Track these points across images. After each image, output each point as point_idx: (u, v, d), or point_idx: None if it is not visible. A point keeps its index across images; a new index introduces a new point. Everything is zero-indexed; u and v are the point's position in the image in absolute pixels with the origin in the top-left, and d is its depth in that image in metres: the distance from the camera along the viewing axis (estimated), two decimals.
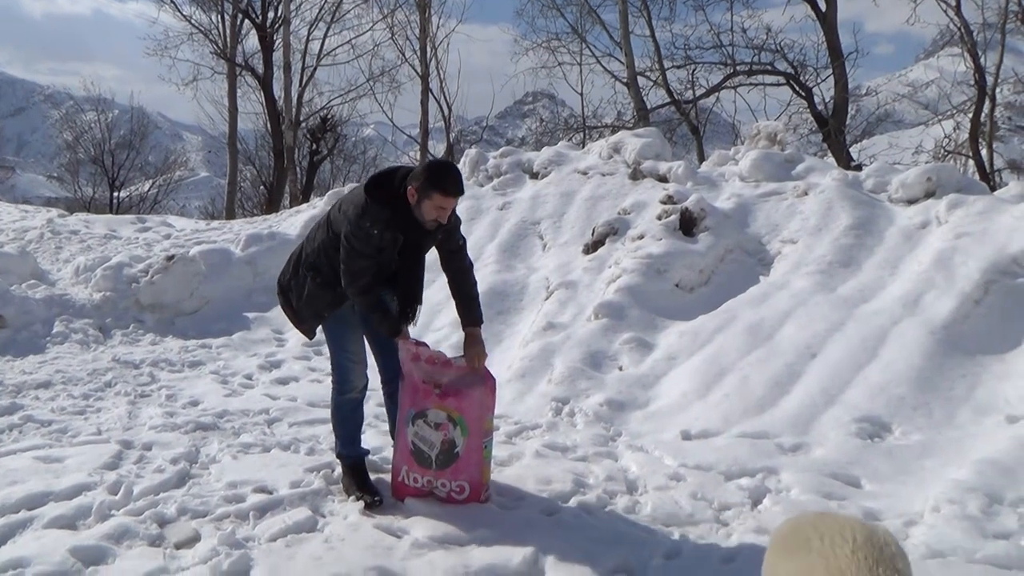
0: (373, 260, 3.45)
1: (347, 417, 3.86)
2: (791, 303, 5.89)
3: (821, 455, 4.11)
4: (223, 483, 3.84)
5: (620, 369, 5.65)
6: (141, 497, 3.62)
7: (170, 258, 7.61)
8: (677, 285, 6.75)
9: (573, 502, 3.63)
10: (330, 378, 3.98)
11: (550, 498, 3.67)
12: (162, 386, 5.70)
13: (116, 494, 3.62)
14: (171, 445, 4.38)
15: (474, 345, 3.71)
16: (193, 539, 3.24)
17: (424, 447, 3.53)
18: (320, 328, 3.84)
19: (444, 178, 3.39)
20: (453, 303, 3.92)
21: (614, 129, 18.57)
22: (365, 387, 3.89)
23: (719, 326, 5.82)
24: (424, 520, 3.35)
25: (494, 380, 3.68)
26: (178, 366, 6.27)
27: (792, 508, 3.49)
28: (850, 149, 17.67)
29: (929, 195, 7.04)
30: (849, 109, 21.43)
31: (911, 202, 7.11)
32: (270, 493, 3.68)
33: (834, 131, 15.91)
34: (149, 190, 38.14)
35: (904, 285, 5.78)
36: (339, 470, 3.91)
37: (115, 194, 36.77)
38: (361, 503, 3.55)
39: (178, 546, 3.18)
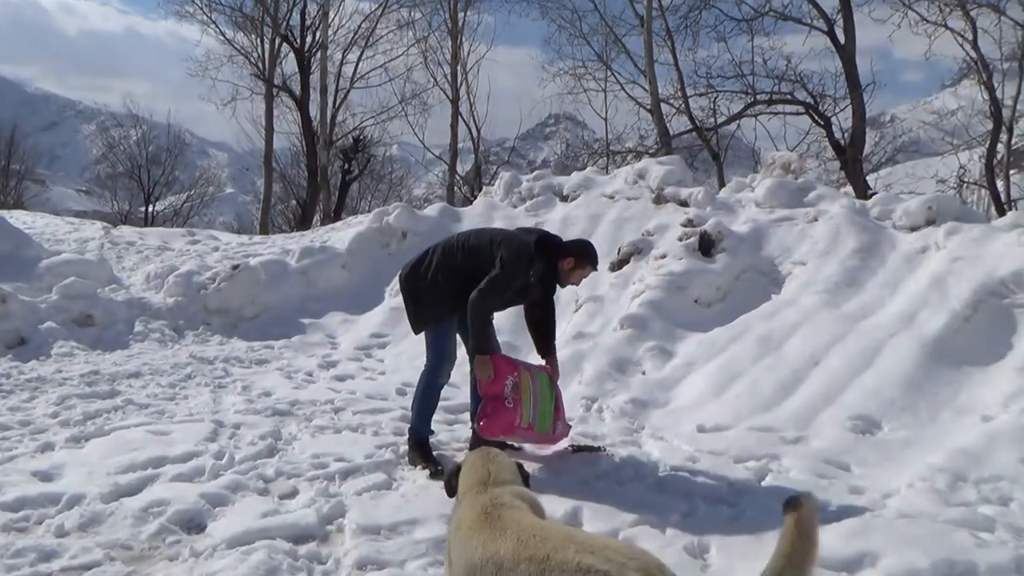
0: (511, 294, 4.36)
1: (430, 399, 4.62)
2: (799, 318, 6.53)
3: (818, 446, 4.75)
4: (307, 455, 4.54)
5: (643, 373, 6.32)
6: (243, 462, 4.34)
7: (235, 267, 8.40)
8: (696, 301, 7.42)
9: (604, 476, 4.29)
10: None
11: (585, 473, 4.34)
12: (236, 379, 6.45)
13: (222, 459, 4.35)
14: (256, 425, 5.11)
15: (553, 368, 4.69)
16: (293, 492, 3.96)
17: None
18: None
19: (596, 258, 4.59)
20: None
21: (637, 154, 19.33)
22: (449, 378, 4.70)
23: (733, 337, 6.48)
24: None
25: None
26: (247, 363, 7.02)
27: (791, 485, 4.14)
28: (870, 177, 18.27)
29: (930, 223, 7.65)
30: (872, 137, 22.03)
31: (913, 229, 7.72)
32: (349, 462, 4.39)
33: (851, 160, 16.48)
34: (183, 205, 39.41)
35: (902, 303, 6.41)
36: (404, 447, 4.62)
37: (150, 208, 38.05)
38: (427, 472, 4.25)
39: (282, 497, 3.89)
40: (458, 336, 4.64)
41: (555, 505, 3.76)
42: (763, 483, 4.22)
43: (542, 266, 4.32)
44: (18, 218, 18.51)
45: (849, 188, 16.15)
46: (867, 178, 17.52)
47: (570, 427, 4.81)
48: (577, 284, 4.67)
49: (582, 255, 4.48)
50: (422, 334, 4.65)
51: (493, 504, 2.33)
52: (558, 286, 4.68)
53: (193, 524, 3.55)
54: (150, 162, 38.82)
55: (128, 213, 38.06)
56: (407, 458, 4.52)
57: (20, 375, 6.12)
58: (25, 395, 5.66)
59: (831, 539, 3.22)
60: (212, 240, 13.84)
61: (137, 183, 38.30)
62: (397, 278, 4.81)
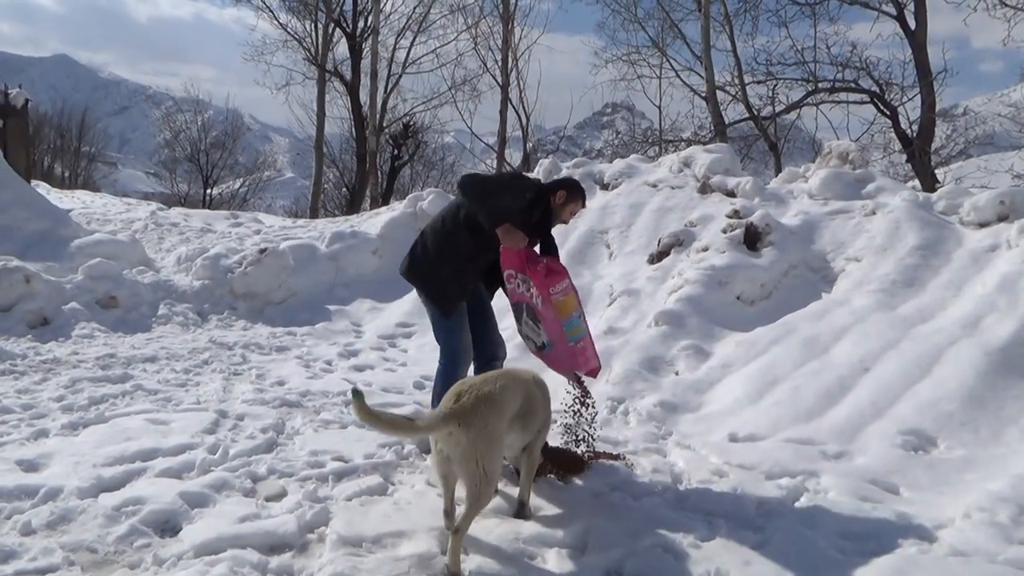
0: (517, 199, 4.08)
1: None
2: (850, 319, 6.01)
3: (863, 463, 4.28)
4: (306, 451, 4.29)
5: (676, 374, 5.90)
6: (236, 458, 4.11)
7: (263, 251, 8.24)
8: (738, 297, 6.94)
9: (620, 488, 3.92)
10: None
11: (600, 484, 3.97)
12: (252, 366, 6.26)
13: (215, 454, 4.13)
14: (261, 417, 4.89)
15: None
16: (280, 494, 3.70)
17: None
18: (439, 317, 4.34)
19: (584, 192, 4.42)
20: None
21: (691, 144, 18.68)
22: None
23: (776, 338, 6.00)
24: None
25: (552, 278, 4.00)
26: (267, 350, 6.85)
27: (828, 507, 3.71)
28: (939, 171, 17.23)
29: (1002, 219, 7.01)
30: (944, 130, 20.85)
31: (982, 225, 7.09)
32: (347, 462, 4.12)
33: (919, 152, 15.57)
34: (240, 188, 40.13)
35: (965, 307, 5.83)
36: (409, 447, 4.32)
37: (208, 191, 38.86)
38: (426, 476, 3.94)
39: (268, 499, 3.64)
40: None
41: (563, 524, 3.42)
42: (796, 504, 3.78)
43: (535, 200, 4.16)
44: (78, 197, 19.03)
45: (916, 182, 15.29)
46: (936, 172, 16.54)
47: (598, 368, 4.25)
48: (567, 222, 4.46)
49: (571, 187, 4.31)
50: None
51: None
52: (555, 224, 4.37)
53: (168, 526, 3.31)
54: (212, 146, 39.66)
55: (187, 196, 38.96)
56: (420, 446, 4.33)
57: (36, 356, 6.04)
58: (37, 377, 5.56)
59: None
60: (255, 223, 13.83)
61: (196, 166, 39.16)
62: (404, 276, 4.50)
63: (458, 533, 2.99)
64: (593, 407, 4.27)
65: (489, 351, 4.44)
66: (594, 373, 4.21)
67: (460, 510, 3.12)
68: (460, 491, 3.15)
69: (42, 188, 19.91)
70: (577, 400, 4.20)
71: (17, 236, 8.67)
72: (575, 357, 4.05)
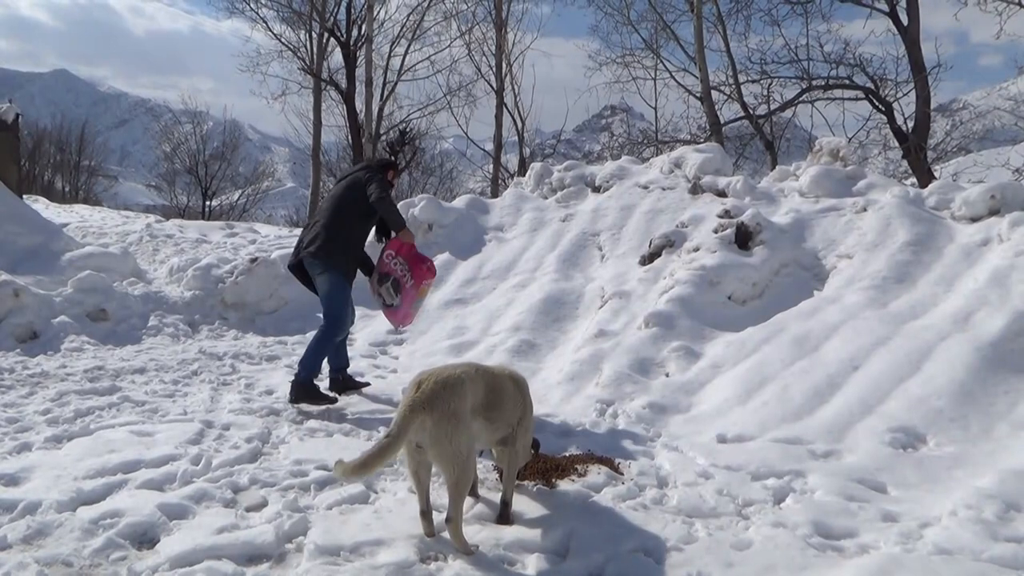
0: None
1: (326, 352, 5.60)
2: (840, 317, 5.97)
3: (851, 461, 4.24)
4: (290, 460, 4.26)
5: (667, 376, 5.86)
6: (219, 468, 4.08)
7: (253, 260, 8.23)
8: (729, 297, 6.91)
9: (604, 492, 3.88)
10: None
11: (584, 488, 3.93)
12: (241, 376, 6.24)
13: (198, 464, 4.10)
14: (247, 427, 4.87)
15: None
16: (261, 504, 3.67)
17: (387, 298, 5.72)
18: (324, 289, 5.61)
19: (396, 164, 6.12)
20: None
21: (687, 144, 18.61)
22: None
23: (766, 337, 5.96)
24: (466, 500, 3.68)
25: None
26: (256, 359, 6.82)
27: (814, 507, 3.67)
28: (936, 167, 17.15)
29: (993, 213, 6.98)
30: (943, 125, 20.78)
31: (974, 219, 7.06)
32: (329, 471, 4.07)
33: (914, 147, 15.52)
34: (239, 199, 40.17)
35: (957, 302, 5.80)
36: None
37: (207, 202, 38.90)
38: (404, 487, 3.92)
39: (248, 509, 3.61)
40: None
41: (544, 529, 3.39)
42: (781, 505, 3.75)
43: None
44: (77, 211, 19.05)
45: (915, 179, 15.22)
46: (933, 167, 16.47)
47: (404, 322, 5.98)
48: (394, 185, 6.06)
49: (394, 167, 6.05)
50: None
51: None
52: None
53: (145, 539, 3.28)
54: (211, 157, 39.73)
55: (186, 208, 39.01)
56: (293, 397, 5.33)
57: (24, 370, 6.02)
58: (24, 391, 5.55)
59: None
60: (251, 233, 13.84)
61: (195, 178, 39.20)
62: (315, 255, 5.59)
63: (451, 521, 3.14)
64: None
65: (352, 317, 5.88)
66: (406, 325, 6.13)
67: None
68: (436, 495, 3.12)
69: (40, 203, 19.95)
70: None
71: (8, 250, 8.66)
72: (407, 317, 5.83)
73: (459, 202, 10.32)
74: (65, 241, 9.35)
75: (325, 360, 5.69)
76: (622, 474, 4.16)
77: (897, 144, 16.99)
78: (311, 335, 7.71)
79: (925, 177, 14.56)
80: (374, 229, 5.95)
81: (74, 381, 5.80)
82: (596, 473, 4.12)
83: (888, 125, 16.91)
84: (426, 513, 3.28)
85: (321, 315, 5.73)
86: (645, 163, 10.35)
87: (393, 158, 6.23)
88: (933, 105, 17.45)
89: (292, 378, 5.49)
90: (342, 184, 5.85)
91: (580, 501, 3.77)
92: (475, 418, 3.34)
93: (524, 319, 7.26)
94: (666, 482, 4.07)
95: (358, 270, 5.88)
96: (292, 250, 6.02)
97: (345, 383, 5.84)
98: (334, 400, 5.48)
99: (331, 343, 5.59)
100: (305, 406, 5.36)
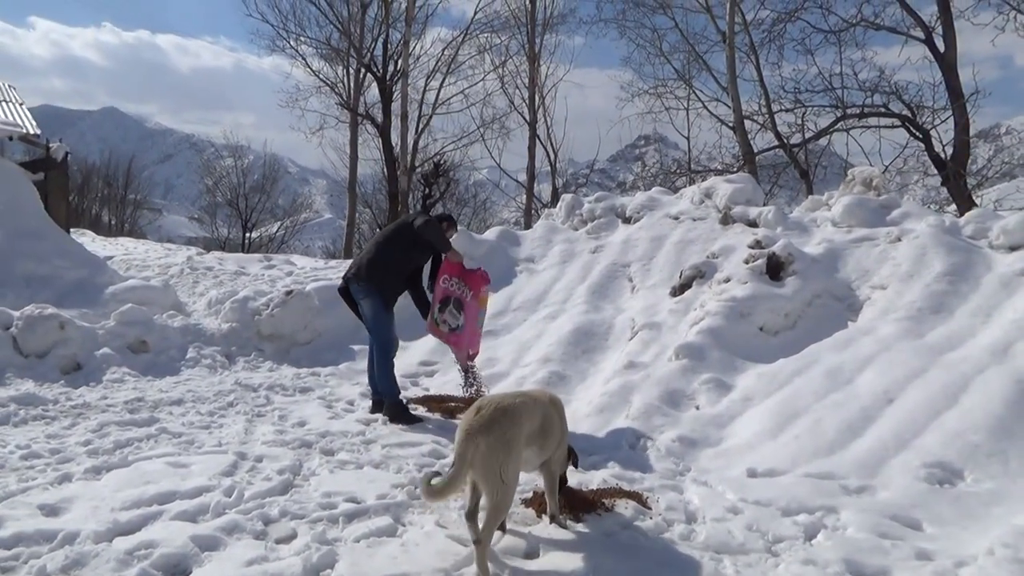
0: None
1: (392, 369, 6.06)
2: (875, 348, 5.89)
3: (885, 497, 4.16)
4: (320, 492, 4.32)
5: (697, 408, 5.82)
6: (251, 500, 4.15)
7: (288, 293, 8.39)
8: (761, 328, 6.85)
9: (630, 527, 3.86)
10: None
11: (611, 523, 3.92)
12: (275, 407, 6.35)
13: (231, 496, 4.17)
14: (279, 458, 4.94)
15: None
16: (291, 536, 3.72)
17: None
18: (368, 314, 6.08)
19: (454, 220, 6.65)
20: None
21: (721, 174, 18.55)
22: None
23: (798, 369, 5.90)
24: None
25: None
26: (290, 391, 6.94)
27: (845, 545, 3.60)
28: (979, 193, 16.82)
29: None
30: (985, 151, 20.42)
31: (1013, 248, 6.94)
32: (359, 503, 4.13)
33: (953, 174, 15.29)
34: (277, 231, 41.00)
35: (995, 333, 5.68)
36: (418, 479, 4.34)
37: (247, 234, 39.77)
38: (436, 517, 3.95)
39: (278, 541, 3.66)
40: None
41: (570, 563, 3.38)
42: (812, 542, 3.69)
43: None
44: (122, 244, 19.66)
45: (955, 206, 14.96)
46: (974, 193, 16.16)
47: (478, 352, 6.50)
48: (450, 239, 6.36)
49: (449, 219, 6.50)
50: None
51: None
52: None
53: (178, 570, 3.35)
54: (251, 190, 40.71)
55: (227, 240, 39.93)
56: (387, 415, 5.99)
57: (67, 401, 6.21)
58: (67, 422, 5.71)
59: None
60: (288, 265, 14.10)
61: (236, 211, 40.16)
62: (360, 278, 6.10)
63: (480, 543, 3.20)
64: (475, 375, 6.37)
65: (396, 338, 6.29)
66: (475, 355, 6.41)
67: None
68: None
69: (87, 236, 20.62)
70: (468, 371, 6.40)
71: (56, 284, 8.97)
72: (474, 335, 6.23)
73: (490, 234, 10.43)
74: (109, 274, 9.64)
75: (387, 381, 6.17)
76: (650, 508, 4.14)
77: (936, 171, 16.76)
78: (344, 366, 7.88)
79: (966, 204, 14.31)
80: (428, 270, 6.44)
81: (114, 412, 5.96)
82: (624, 507, 4.11)
83: (926, 152, 16.68)
84: (473, 514, 3.38)
85: (367, 341, 6.52)
86: (676, 194, 10.37)
87: (448, 215, 6.90)
88: (974, 131, 17.20)
89: (369, 403, 6.38)
90: (395, 222, 6.41)
91: (606, 536, 3.76)
92: (528, 446, 3.53)
93: (554, 351, 7.29)
94: (695, 517, 4.03)
95: (419, 312, 6.54)
96: (329, 281, 6.33)
97: (379, 405, 6.25)
98: (420, 419, 5.99)
99: (390, 360, 6.08)
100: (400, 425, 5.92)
